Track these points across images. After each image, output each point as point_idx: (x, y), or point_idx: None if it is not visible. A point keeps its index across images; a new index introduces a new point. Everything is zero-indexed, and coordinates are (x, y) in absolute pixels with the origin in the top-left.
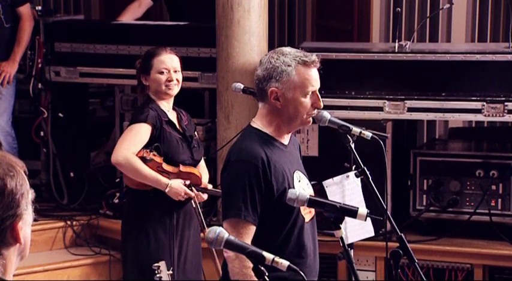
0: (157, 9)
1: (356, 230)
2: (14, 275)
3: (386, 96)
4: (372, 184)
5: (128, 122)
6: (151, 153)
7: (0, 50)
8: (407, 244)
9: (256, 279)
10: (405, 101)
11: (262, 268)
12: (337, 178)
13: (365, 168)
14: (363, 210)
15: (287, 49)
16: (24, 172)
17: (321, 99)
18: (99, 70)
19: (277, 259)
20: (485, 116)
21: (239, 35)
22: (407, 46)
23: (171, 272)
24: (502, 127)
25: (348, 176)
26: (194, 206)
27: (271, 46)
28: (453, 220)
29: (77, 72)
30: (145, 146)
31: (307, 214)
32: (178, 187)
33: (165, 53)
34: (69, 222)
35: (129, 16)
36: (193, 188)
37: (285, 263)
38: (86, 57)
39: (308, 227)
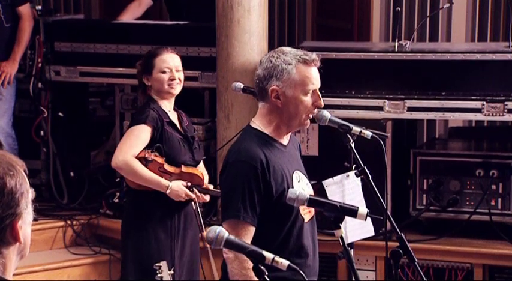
0: (157, 8)
1: (356, 229)
2: (14, 275)
3: (387, 96)
4: (372, 183)
5: (128, 121)
6: (153, 154)
7: (0, 49)
8: (407, 244)
9: (255, 280)
10: (405, 101)
11: (262, 267)
12: (337, 178)
13: (365, 167)
14: (363, 209)
15: (287, 48)
16: (24, 171)
17: (321, 98)
18: (99, 70)
19: (277, 258)
20: (485, 115)
21: (239, 35)
22: (407, 45)
23: (172, 272)
24: (502, 127)
25: (348, 176)
26: (194, 207)
27: (271, 46)
28: (453, 219)
29: (77, 71)
30: (147, 147)
31: (307, 214)
32: (179, 189)
33: (166, 52)
34: (69, 221)
35: (129, 15)
36: (194, 189)
37: (285, 262)
38: (86, 56)
39: (307, 227)
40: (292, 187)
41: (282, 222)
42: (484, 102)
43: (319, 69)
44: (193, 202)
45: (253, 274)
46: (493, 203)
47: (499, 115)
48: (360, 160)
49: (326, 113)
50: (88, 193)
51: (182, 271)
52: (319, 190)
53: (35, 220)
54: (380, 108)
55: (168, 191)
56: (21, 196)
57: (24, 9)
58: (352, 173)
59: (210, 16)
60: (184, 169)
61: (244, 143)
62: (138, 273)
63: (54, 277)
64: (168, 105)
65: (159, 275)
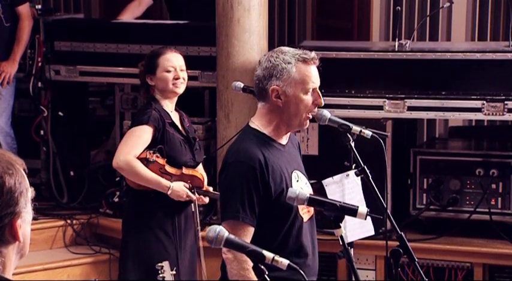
0: (157, 8)
1: (356, 229)
2: (13, 274)
3: (387, 95)
4: (372, 182)
5: (128, 120)
6: (155, 155)
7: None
8: (407, 243)
9: (254, 280)
10: (405, 100)
11: (262, 267)
12: (336, 177)
13: (365, 167)
14: (363, 209)
15: (286, 48)
16: (24, 169)
17: (321, 97)
18: (99, 69)
19: (277, 257)
20: (485, 114)
21: (239, 34)
22: (407, 45)
23: (174, 272)
24: (502, 126)
25: (348, 175)
26: (193, 209)
27: (271, 45)
28: (453, 218)
29: (77, 71)
30: (148, 147)
31: (306, 213)
32: (181, 190)
33: (170, 51)
34: (69, 221)
35: (129, 15)
36: (195, 191)
37: (285, 262)
38: (85, 56)
39: (307, 227)
40: (291, 187)
41: (281, 222)
42: (484, 102)
43: (318, 68)
44: (192, 204)
45: (251, 275)
46: (493, 202)
47: (499, 114)
48: (359, 159)
49: (326, 113)
50: (88, 192)
51: (184, 271)
52: (319, 189)
53: (34, 219)
54: (380, 108)
55: (169, 192)
56: (20, 195)
57: (24, 9)
58: (352, 173)
59: (210, 15)
60: (185, 170)
61: (242, 144)
62: (139, 273)
63: (54, 276)
64: (170, 106)
65: (161, 275)
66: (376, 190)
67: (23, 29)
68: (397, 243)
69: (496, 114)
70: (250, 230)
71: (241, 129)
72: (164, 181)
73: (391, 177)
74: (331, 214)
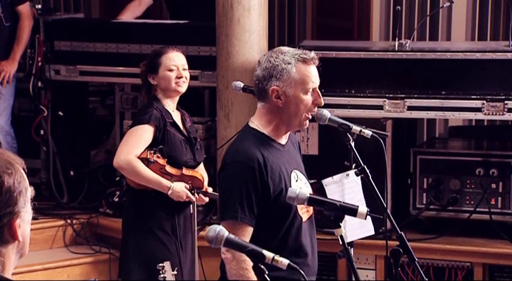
0: (157, 7)
1: (356, 228)
2: (13, 274)
3: (387, 95)
4: (372, 182)
5: (128, 120)
6: (155, 155)
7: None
8: (407, 243)
9: (253, 280)
10: (405, 100)
11: (262, 266)
12: (336, 177)
13: (365, 166)
14: (363, 208)
15: (285, 48)
16: (23, 169)
17: (321, 96)
18: (99, 69)
19: (277, 257)
20: (485, 114)
21: (239, 34)
22: (407, 45)
23: (175, 272)
24: (502, 126)
25: (348, 175)
26: (192, 211)
27: (271, 44)
28: (453, 218)
29: (77, 70)
30: (149, 147)
31: (305, 213)
32: (181, 190)
33: (172, 51)
34: (69, 220)
35: (129, 15)
36: (195, 191)
37: (284, 261)
38: (85, 55)
39: (306, 226)
40: (290, 187)
41: (280, 222)
42: (484, 101)
43: (318, 67)
44: (191, 206)
45: (251, 274)
46: (493, 202)
47: (499, 114)
48: (359, 159)
49: (326, 112)
50: (88, 192)
51: (186, 270)
52: (318, 189)
53: (34, 219)
54: (380, 108)
55: (169, 192)
56: (20, 194)
57: (24, 8)
58: (352, 172)
59: (210, 15)
60: (185, 171)
61: (242, 143)
62: (142, 273)
63: (54, 276)
64: (171, 105)
65: (162, 275)
66: (376, 189)
67: (23, 28)
68: (397, 243)
69: (496, 114)
70: (249, 230)
71: (241, 129)
72: (165, 181)
73: (391, 177)
74: (331, 214)
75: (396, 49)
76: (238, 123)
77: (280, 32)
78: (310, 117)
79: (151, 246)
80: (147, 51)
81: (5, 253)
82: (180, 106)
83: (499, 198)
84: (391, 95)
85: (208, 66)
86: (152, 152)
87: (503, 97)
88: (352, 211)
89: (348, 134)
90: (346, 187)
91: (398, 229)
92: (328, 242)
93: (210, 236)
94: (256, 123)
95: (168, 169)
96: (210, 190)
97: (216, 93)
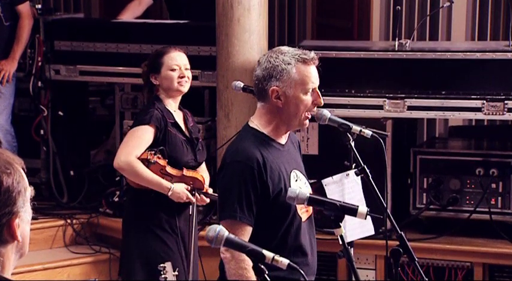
0: (157, 7)
1: (356, 228)
2: (13, 274)
3: (387, 95)
4: (372, 182)
5: (127, 120)
6: (156, 156)
7: None
8: (407, 243)
9: (252, 280)
10: (405, 100)
11: (262, 266)
12: (336, 177)
13: (365, 166)
14: (363, 208)
15: (285, 48)
16: (23, 168)
17: (321, 96)
18: (99, 68)
19: (277, 257)
20: (485, 114)
21: (239, 34)
22: (407, 44)
23: (176, 273)
24: (502, 125)
25: (348, 175)
26: (190, 212)
27: (271, 44)
28: (453, 218)
29: (77, 70)
30: (150, 147)
31: (304, 213)
32: (181, 192)
33: (174, 50)
34: (69, 220)
35: (129, 14)
36: (195, 192)
37: (284, 261)
38: (85, 55)
39: (305, 226)
40: (290, 187)
41: (279, 221)
42: (484, 101)
43: (318, 67)
44: (191, 207)
45: (250, 274)
46: (493, 202)
47: (499, 114)
48: (359, 159)
49: (326, 112)
50: (88, 191)
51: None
52: (318, 189)
53: (34, 218)
54: (380, 107)
55: (169, 193)
56: (18, 194)
57: (24, 8)
58: (352, 172)
59: (210, 15)
60: (185, 172)
61: (241, 143)
62: (145, 273)
63: (54, 276)
64: (173, 105)
65: (163, 276)
66: (376, 189)
67: (23, 28)
68: (397, 243)
69: (496, 114)
70: (248, 230)
71: (241, 128)
72: (165, 183)
73: (391, 177)
74: (331, 214)
75: (396, 49)
76: (238, 123)
77: (280, 32)
78: (310, 117)
79: (153, 246)
80: (147, 51)
81: (4, 253)
82: (180, 106)
83: (499, 198)
84: (391, 95)
85: (208, 66)
86: (153, 152)
87: (503, 97)
88: (352, 211)
89: (348, 134)
90: (346, 187)
91: (398, 229)
92: (328, 242)
93: (210, 236)
94: (256, 123)
95: (169, 169)
96: (210, 190)
97: (216, 93)
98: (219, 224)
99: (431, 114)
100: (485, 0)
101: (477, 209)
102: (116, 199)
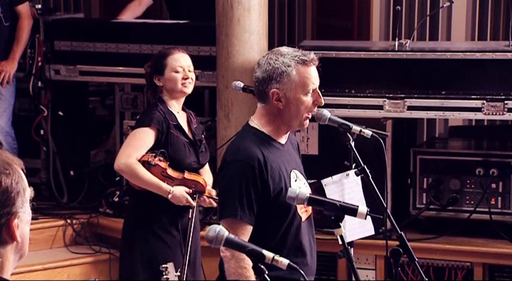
0: (157, 7)
1: (356, 228)
2: (13, 274)
3: (386, 95)
4: (372, 182)
5: (128, 120)
6: (157, 158)
7: None
8: (407, 243)
9: (251, 279)
10: (405, 100)
11: (262, 266)
12: (336, 177)
13: (365, 166)
14: (363, 208)
15: (285, 49)
16: (22, 169)
17: (321, 96)
18: (99, 68)
19: (277, 257)
20: (485, 114)
21: (239, 34)
22: (407, 44)
23: (178, 273)
24: (502, 125)
25: (347, 175)
26: (190, 216)
27: (271, 44)
28: (453, 218)
29: (77, 70)
30: (151, 150)
31: (304, 213)
32: (181, 195)
33: (178, 52)
34: (69, 220)
35: (129, 14)
36: (197, 196)
37: (284, 261)
38: (85, 55)
39: (305, 226)
40: (290, 187)
41: (279, 221)
42: (484, 101)
43: (318, 67)
44: (190, 210)
45: (249, 273)
46: (493, 202)
47: (499, 114)
48: (359, 159)
49: (326, 112)
50: (88, 192)
51: (189, 270)
52: (318, 189)
53: (34, 219)
54: (380, 107)
55: (169, 196)
56: (17, 194)
57: (24, 8)
58: (352, 172)
59: (209, 15)
60: (187, 175)
61: (242, 142)
62: (147, 274)
63: (54, 276)
64: (177, 107)
65: (165, 276)
66: (376, 189)
67: (23, 28)
68: (397, 243)
69: (496, 114)
70: (248, 229)
71: (241, 128)
72: (165, 186)
73: (391, 177)
74: (331, 214)
75: (396, 49)
76: (238, 123)
77: (280, 32)
78: (310, 117)
79: (154, 247)
80: (147, 51)
81: (4, 253)
82: (184, 107)
83: (499, 198)
84: (391, 95)
85: (208, 66)
86: (154, 155)
87: (503, 97)
88: (352, 211)
89: (348, 134)
90: (346, 187)
91: (398, 229)
92: (328, 242)
93: (210, 236)
94: (256, 122)
95: (170, 172)
96: (213, 193)
97: (216, 93)
98: (219, 224)
99: (431, 114)
100: (485, 0)
101: (477, 209)
102: (116, 199)
